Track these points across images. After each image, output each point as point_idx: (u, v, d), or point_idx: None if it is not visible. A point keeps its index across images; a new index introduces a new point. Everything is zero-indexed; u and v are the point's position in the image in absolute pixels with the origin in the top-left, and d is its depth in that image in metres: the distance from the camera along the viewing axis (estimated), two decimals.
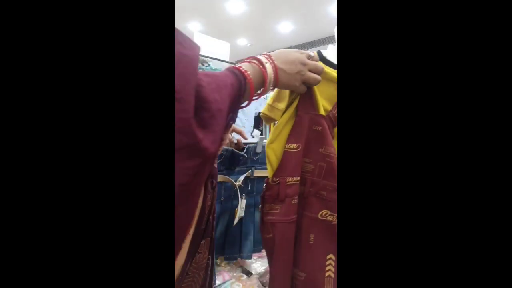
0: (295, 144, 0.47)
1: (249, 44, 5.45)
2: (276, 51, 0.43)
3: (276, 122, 0.49)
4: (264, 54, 0.41)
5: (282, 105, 0.47)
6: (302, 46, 5.22)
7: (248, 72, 0.38)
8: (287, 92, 0.48)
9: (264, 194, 0.47)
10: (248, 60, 0.40)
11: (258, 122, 2.24)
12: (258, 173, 0.94)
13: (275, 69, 0.40)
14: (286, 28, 4.79)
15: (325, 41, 4.76)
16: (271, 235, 0.46)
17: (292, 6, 4.16)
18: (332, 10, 3.96)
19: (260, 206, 0.48)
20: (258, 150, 0.94)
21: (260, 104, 2.09)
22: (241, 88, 0.36)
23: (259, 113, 2.19)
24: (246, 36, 5.14)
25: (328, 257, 0.47)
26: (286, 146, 0.46)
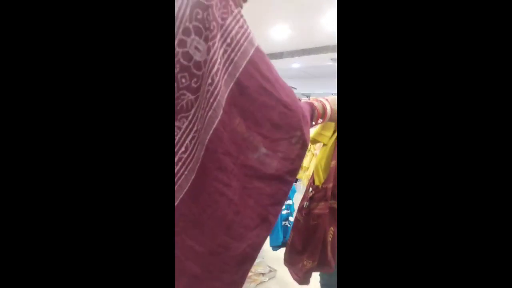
0: (335, 161, 0.65)
1: None
2: (332, 97, 0.63)
3: (321, 144, 0.69)
4: (325, 98, 0.63)
5: (328, 133, 0.67)
6: (295, 53, 5.43)
7: (317, 106, 0.64)
8: (333, 124, 0.67)
9: (313, 195, 0.67)
10: (316, 99, 0.65)
11: None
12: None
13: (331, 108, 0.62)
14: (280, 33, 4.96)
15: (317, 50, 5.00)
16: (316, 222, 0.66)
17: (287, 13, 4.31)
18: (325, 21, 4.19)
19: (307, 203, 0.68)
20: None
21: None
22: (313, 115, 0.63)
23: None
24: None
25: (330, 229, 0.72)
26: (331, 163, 0.65)
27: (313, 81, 7.16)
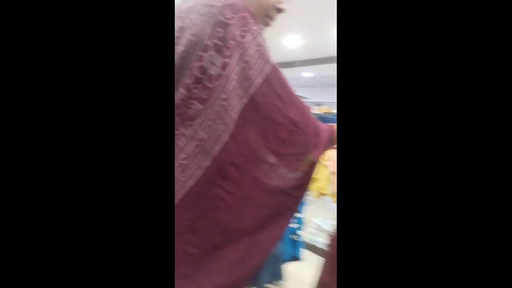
0: None
1: None
2: None
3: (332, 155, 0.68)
4: None
5: None
6: (306, 62, 5.45)
7: (335, 130, 0.66)
8: None
9: None
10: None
11: None
12: None
13: None
14: (291, 42, 4.99)
15: (329, 60, 5.01)
16: None
17: (299, 22, 4.35)
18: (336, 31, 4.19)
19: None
20: None
21: None
22: (332, 137, 0.65)
23: None
24: None
25: None
26: None
27: (324, 90, 7.14)
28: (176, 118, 0.51)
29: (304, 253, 2.09)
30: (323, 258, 0.78)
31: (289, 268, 2.06)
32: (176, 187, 0.53)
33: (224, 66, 0.52)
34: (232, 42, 0.51)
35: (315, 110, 6.44)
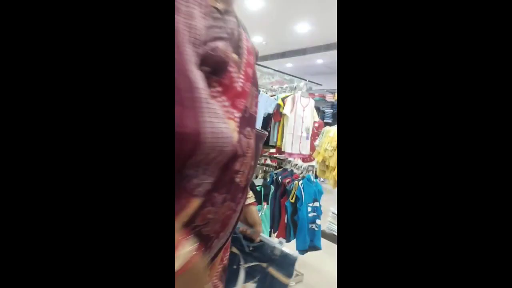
0: None
1: (264, 42, 5.57)
2: None
3: None
4: None
5: None
6: (318, 49, 5.34)
7: None
8: None
9: None
10: None
11: (266, 122, 2.35)
12: (273, 271, 0.79)
13: None
14: (302, 28, 4.90)
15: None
16: None
17: (309, 7, 4.25)
18: None
19: None
20: (276, 252, 0.82)
21: (270, 105, 2.21)
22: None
23: (268, 114, 2.20)
24: (261, 34, 5.25)
25: None
26: None
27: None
28: None
29: (322, 242, 2.09)
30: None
31: (308, 258, 2.07)
32: None
33: None
34: None
35: (329, 98, 6.30)
